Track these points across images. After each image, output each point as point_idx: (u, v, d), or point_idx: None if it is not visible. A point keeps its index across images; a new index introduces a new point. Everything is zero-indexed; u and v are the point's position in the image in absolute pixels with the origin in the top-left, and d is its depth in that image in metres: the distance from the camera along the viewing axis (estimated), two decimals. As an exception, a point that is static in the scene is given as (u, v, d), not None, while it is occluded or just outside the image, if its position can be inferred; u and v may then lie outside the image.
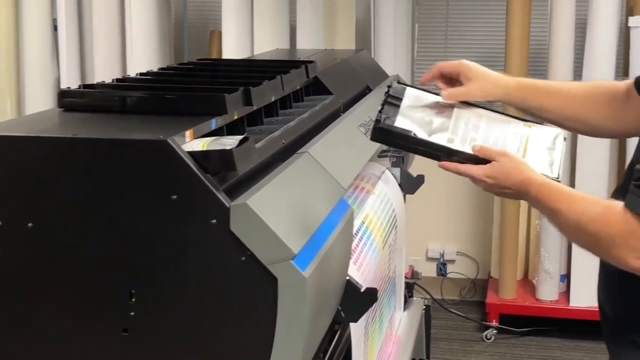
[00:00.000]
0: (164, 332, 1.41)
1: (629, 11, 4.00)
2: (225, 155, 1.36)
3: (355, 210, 2.14)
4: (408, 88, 1.68)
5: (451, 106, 1.64)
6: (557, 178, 1.56)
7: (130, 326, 1.41)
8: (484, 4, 4.51)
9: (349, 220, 1.72)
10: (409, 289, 2.94)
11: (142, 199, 1.37)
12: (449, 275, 4.65)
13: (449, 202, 4.53)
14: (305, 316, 1.38)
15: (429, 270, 4.65)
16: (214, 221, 1.34)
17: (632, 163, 1.50)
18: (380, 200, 2.42)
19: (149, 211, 1.37)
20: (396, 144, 1.64)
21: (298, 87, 2.16)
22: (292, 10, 3.80)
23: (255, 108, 1.78)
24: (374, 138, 1.62)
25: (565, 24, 3.92)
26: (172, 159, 1.34)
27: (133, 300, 1.40)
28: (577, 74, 3.97)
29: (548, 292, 4.11)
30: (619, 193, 1.51)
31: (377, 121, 1.60)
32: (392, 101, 1.63)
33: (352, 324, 1.84)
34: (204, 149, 1.37)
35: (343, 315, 1.71)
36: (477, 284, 4.61)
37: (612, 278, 1.56)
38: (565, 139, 1.65)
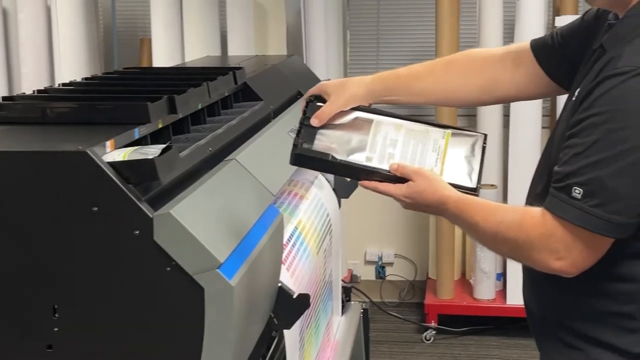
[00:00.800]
0: (90, 347, 1.38)
1: (556, 11, 4.08)
2: (146, 165, 1.34)
3: (288, 216, 2.13)
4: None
5: (369, 121, 1.61)
6: (476, 188, 1.55)
7: (55, 342, 1.38)
8: (414, 8, 4.54)
9: (278, 226, 1.70)
10: (347, 293, 2.93)
11: (63, 211, 1.34)
12: (387, 278, 4.67)
13: (385, 205, 4.49)
14: (234, 324, 1.37)
15: (368, 273, 4.66)
16: (137, 232, 1.32)
17: (550, 165, 1.47)
18: (314, 206, 2.41)
19: (70, 224, 1.34)
20: (316, 167, 1.60)
21: (226, 94, 2.14)
22: (222, 17, 3.77)
23: (180, 116, 1.75)
24: (293, 163, 1.58)
25: (494, 24, 3.97)
26: (92, 170, 1.31)
27: (57, 315, 1.37)
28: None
29: (485, 291, 4.15)
30: (536, 199, 1.50)
31: (295, 146, 1.56)
32: (309, 123, 1.59)
33: (286, 331, 1.83)
34: (125, 159, 1.34)
35: (276, 322, 1.70)
36: (416, 285, 4.63)
37: (534, 278, 1.57)
38: (484, 144, 1.61)
